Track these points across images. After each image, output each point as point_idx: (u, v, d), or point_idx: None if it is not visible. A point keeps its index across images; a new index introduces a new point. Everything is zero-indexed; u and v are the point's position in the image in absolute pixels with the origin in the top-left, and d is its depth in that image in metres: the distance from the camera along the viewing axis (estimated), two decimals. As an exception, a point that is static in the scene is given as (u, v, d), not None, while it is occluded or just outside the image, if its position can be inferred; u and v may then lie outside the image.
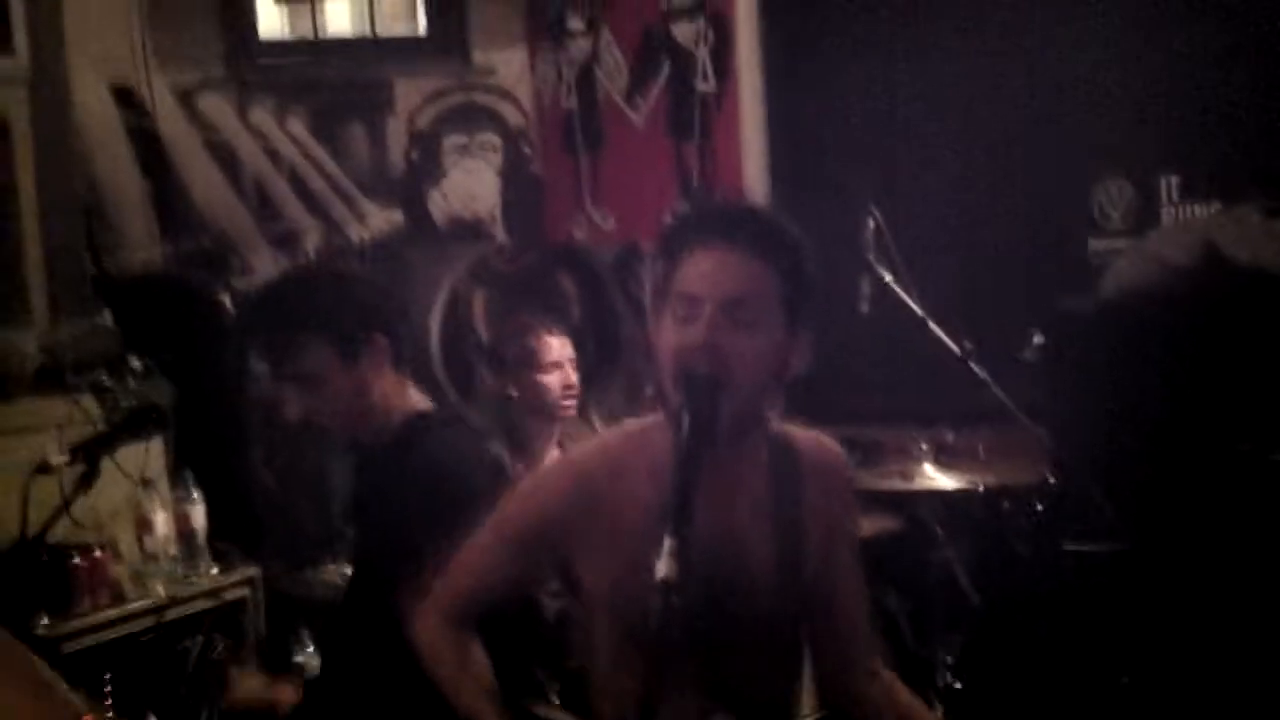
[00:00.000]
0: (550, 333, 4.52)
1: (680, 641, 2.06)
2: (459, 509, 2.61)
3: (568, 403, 4.45)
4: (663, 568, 2.03)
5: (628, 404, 5.44)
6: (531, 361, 4.41)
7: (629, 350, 5.51)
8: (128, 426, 3.04)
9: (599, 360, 5.55)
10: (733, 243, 2.25)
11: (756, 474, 2.38)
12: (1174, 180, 4.52)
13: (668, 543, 2.05)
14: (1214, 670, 3.70)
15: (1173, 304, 3.89)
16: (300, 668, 4.19)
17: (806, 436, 2.47)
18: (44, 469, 2.90)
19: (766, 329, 2.26)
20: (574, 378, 4.45)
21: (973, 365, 3.92)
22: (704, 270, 2.25)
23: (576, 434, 4.56)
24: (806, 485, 2.39)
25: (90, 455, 2.90)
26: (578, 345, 4.66)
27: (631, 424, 2.52)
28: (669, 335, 2.28)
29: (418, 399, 2.97)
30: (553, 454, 4.40)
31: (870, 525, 3.81)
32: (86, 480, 2.90)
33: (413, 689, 2.56)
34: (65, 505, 2.88)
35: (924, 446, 4.23)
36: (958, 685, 4.07)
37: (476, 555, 2.46)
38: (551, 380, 4.41)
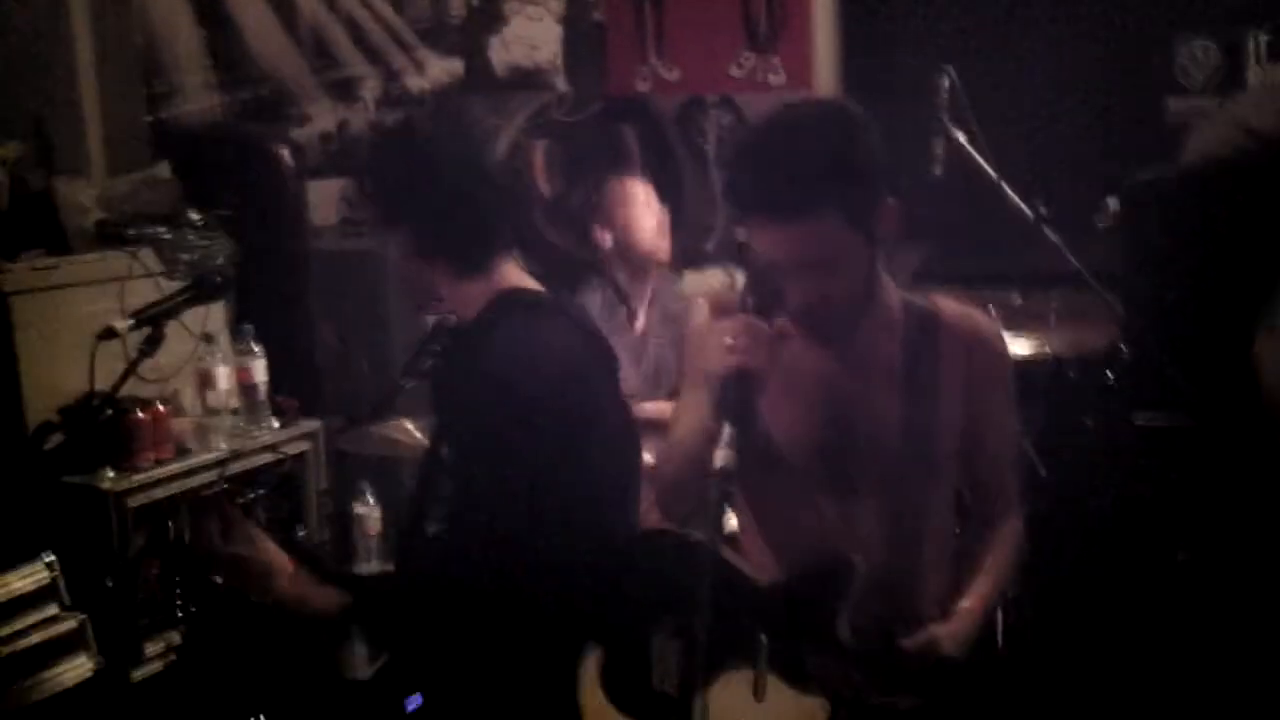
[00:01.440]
0: (633, 178, 4.47)
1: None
2: (534, 399, 2.58)
3: (663, 246, 4.41)
4: (720, 456, 2.04)
5: (689, 258, 5.40)
6: (618, 211, 4.36)
7: (692, 203, 5.44)
8: (192, 291, 3.00)
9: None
10: (786, 216, 2.24)
11: (882, 347, 2.40)
12: (1263, 39, 4.36)
13: (727, 431, 2.06)
14: (1273, 553, 3.65)
15: (1258, 174, 3.76)
16: (361, 519, 4.24)
17: (954, 309, 2.49)
18: (109, 335, 2.87)
19: (847, 260, 2.30)
20: (663, 222, 4.40)
21: (1046, 230, 3.83)
22: (766, 244, 2.28)
23: (667, 288, 4.53)
24: (946, 357, 2.40)
25: (154, 321, 2.87)
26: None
27: (713, 297, 2.54)
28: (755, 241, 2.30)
29: (507, 277, 2.88)
30: (648, 310, 4.38)
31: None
32: (151, 345, 2.87)
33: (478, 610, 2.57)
34: (130, 369, 2.86)
35: (992, 311, 4.16)
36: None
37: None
38: (644, 226, 4.37)
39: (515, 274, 2.92)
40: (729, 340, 2.15)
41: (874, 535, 2.38)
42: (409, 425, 4.11)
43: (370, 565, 4.18)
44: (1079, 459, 4.03)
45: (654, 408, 3.96)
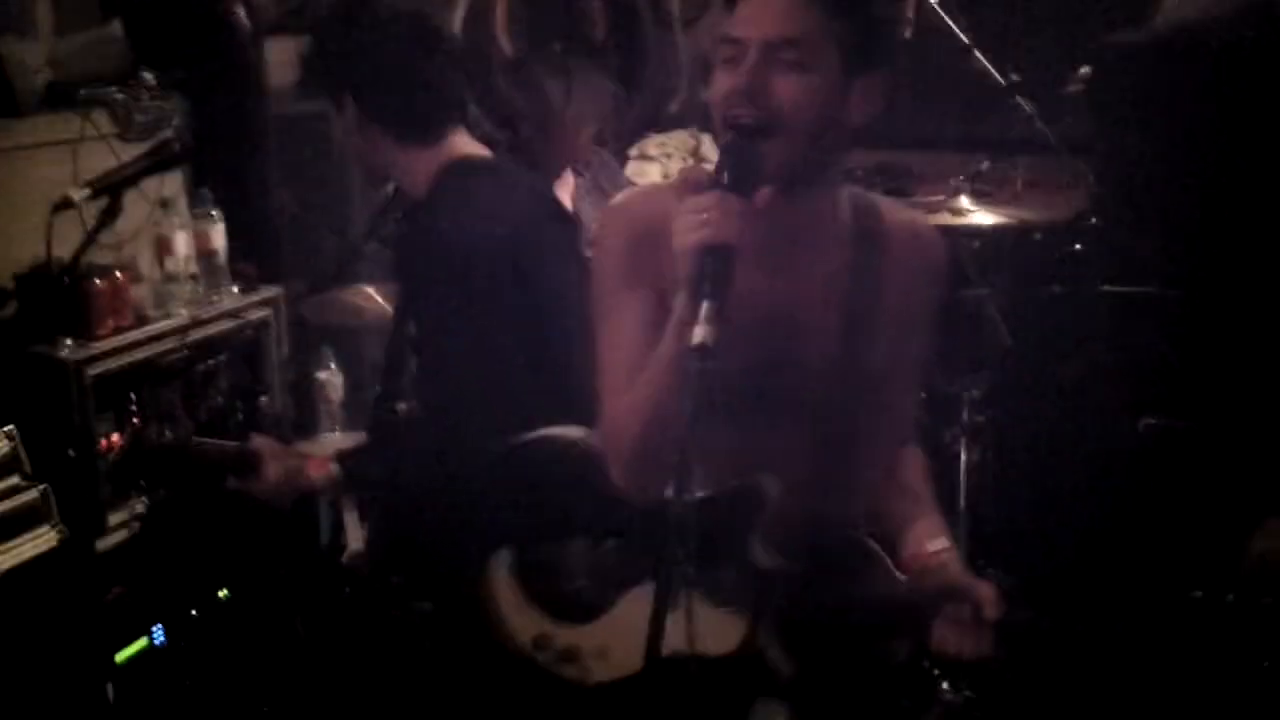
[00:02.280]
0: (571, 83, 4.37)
1: (718, 409, 1.97)
2: (493, 266, 2.54)
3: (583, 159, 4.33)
4: (699, 332, 1.94)
5: (653, 122, 5.33)
6: (549, 114, 4.28)
7: (656, 67, 5.35)
8: (151, 159, 2.93)
9: (624, 77, 5.40)
10: None
11: (830, 242, 2.28)
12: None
13: (705, 306, 1.96)
14: (1245, 418, 3.68)
15: (1230, 43, 3.72)
16: (324, 385, 4.21)
17: (898, 211, 2.38)
18: (64, 205, 2.80)
19: (818, 71, 2.13)
20: (590, 132, 4.31)
21: (1018, 97, 3.79)
22: (748, 12, 2.15)
23: (602, 159, 4.47)
24: (890, 262, 2.28)
25: (112, 190, 2.80)
26: (602, 59, 4.52)
27: (683, 173, 2.43)
28: (715, 81, 2.18)
29: (455, 148, 2.83)
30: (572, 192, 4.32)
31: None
32: (109, 214, 2.81)
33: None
34: (88, 241, 2.80)
35: (960, 177, 4.13)
36: (980, 419, 4.06)
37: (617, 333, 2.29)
38: (567, 134, 4.29)
39: (465, 143, 2.88)
40: (703, 215, 2.02)
41: (800, 458, 2.28)
42: (370, 291, 4.06)
43: (334, 433, 4.16)
44: (1046, 327, 4.03)
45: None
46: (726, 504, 2.22)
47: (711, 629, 2.19)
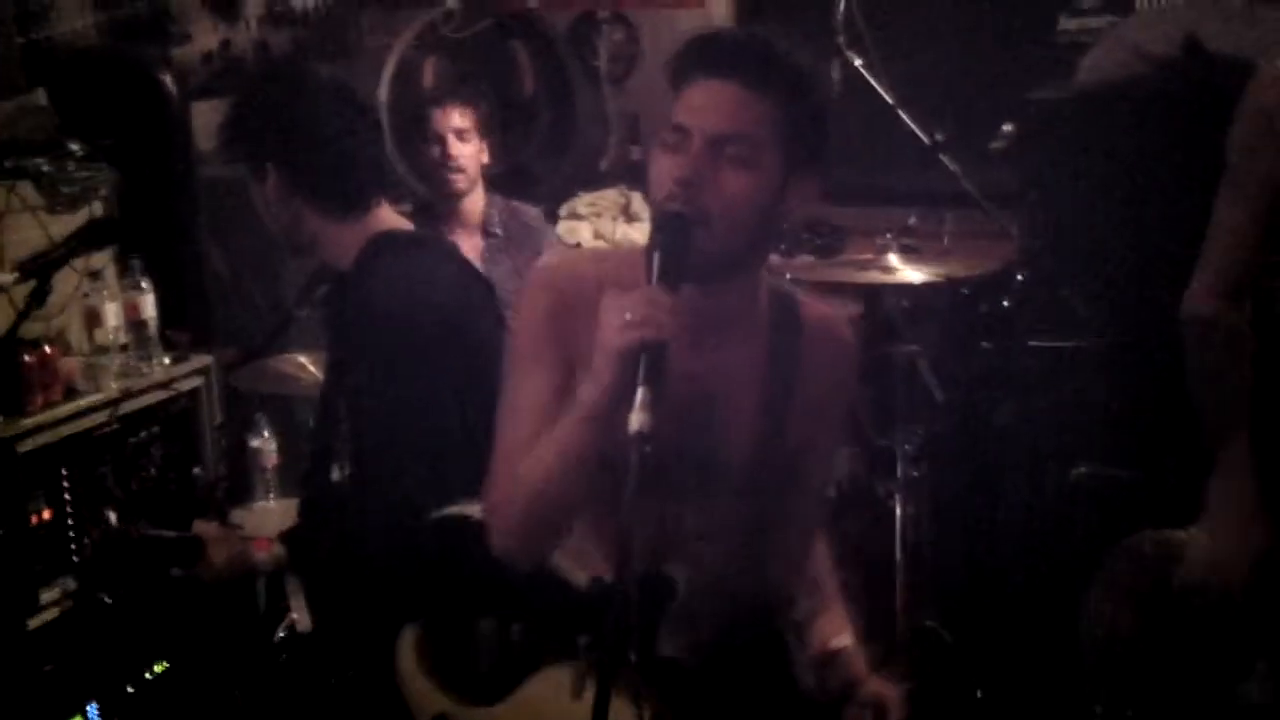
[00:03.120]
0: (450, 103, 4.41)
1: (653, 495, 2.00)
2: (416, 333, 2.54)
3: (451, 176, 4.36)
4: (636, 420, 1.93)
5: (582, 178, 5.35)
6: (427, 131, 4.34)
7: (584, 123, 5.37)
8: (81, 238, 2.90)
9: (553, 132, 5.43)
10: (731, 74, 2.10)
11: (752, 330, 2.29)
12: (1148, -43, 4.38)
13: (640, 393, 1.95)
14: (1173, 463, 3.73)
15: (1150, 97, 3.79)
16: (257, 452, 4.18)
17: (815, 303, 2.38)
18: (-7, 289, 2.78)
19: (761, 168, 2.10)
20: (458, 149, 4.34)
21: (943, 157, 3.85)
22: (697, 102, 2.12)
23: (520, 210, 4.50)
24: (806, 352, 2.30)
25: (42, 273, 2.78)
26: (531, 117, 4.54)
27: (611, 250, 2.46)
28: (655, 164, 2.16)
29: (380, 220, 2.84)
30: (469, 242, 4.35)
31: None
32: (38, 295, 2.78)
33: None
34: (19, 322, 2.77)
35: (888, 236, 4.17)
36: (915, 474, 4.10)
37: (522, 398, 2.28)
38: (437, 150, 4.33)
39: (389, 216, 2.89)
40: (630, 315, 1.99)
41: (717, 541, 2.29)
42: (303, 359, 4.05)
43: (269, 500, 4.13)
44: (977, 380, 4.07)
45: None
46: (635, 591, 2.12)
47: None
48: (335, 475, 3.05)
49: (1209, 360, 2.79)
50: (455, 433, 2.67)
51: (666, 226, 2.09)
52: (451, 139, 4.34)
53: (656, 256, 2.06)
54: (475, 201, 4.44)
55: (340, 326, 2.91)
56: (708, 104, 2.11)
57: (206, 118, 4.78)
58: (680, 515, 2.26)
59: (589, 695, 1.92)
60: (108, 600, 3.22)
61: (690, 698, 2.24)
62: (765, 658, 2.36)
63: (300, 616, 2.92)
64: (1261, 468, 2.76)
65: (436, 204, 4.46)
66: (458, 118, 4.36)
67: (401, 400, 2.67)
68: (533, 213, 4.53)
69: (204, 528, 2.86)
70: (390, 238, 2.77)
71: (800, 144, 2.14)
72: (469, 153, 4.37)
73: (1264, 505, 2.73)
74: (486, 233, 4.44)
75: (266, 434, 4.17)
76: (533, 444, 2.16)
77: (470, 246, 4.29)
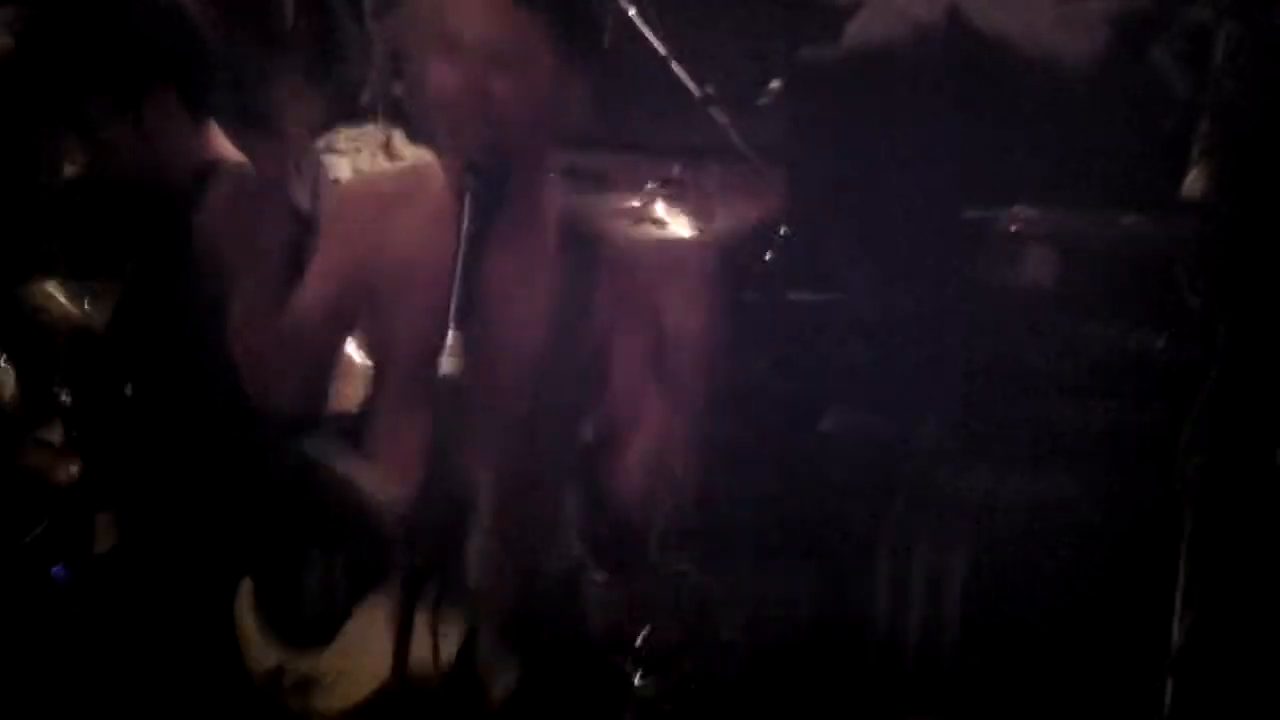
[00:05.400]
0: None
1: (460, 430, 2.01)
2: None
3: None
4: (446, 364, 1.97)
5: (342, 111, 5.22)
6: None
7: (346, 53, 5.24)
8: None
9: (315, 63, 5.28)
10: None
11: (543, 253, 2.31)
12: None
13: (451, 336, 1.98)
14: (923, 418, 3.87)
15: (912, 60, 3.90)
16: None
17: (609, 223, 2.52)
18: None
19: (532, 70, 2.20)
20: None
21: (712, 111, 3.89)
22: (462, 11, 2.20)
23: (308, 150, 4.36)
24: (603, 270, 2.32)
25: None
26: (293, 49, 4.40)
27: (403, 166, 2.48)
28: (431, 80, 2.23)
29: (219, 147, 2.73)
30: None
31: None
32: None
33: None
34: None
35: (651, 184, 4.18)
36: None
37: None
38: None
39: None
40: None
41: (513, 459, 2.28)
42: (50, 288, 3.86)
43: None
44: (738, 335, 4.13)
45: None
46: (437, 510, 2.16)
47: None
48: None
49: None
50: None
51: (480, 175, 2.14)
52: None
53: (469, 203, 2.11)
54: None
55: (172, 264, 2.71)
56: (471, 11, 2.19)
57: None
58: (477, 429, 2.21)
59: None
60: None
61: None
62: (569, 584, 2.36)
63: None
64: None
65: None
66: None
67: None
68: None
69: None
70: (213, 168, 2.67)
71: (567, 44, 2.23)
72: None
73: None
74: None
75: (3, 363, 3.98)
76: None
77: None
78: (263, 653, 2.30)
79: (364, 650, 2.13)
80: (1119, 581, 3.42)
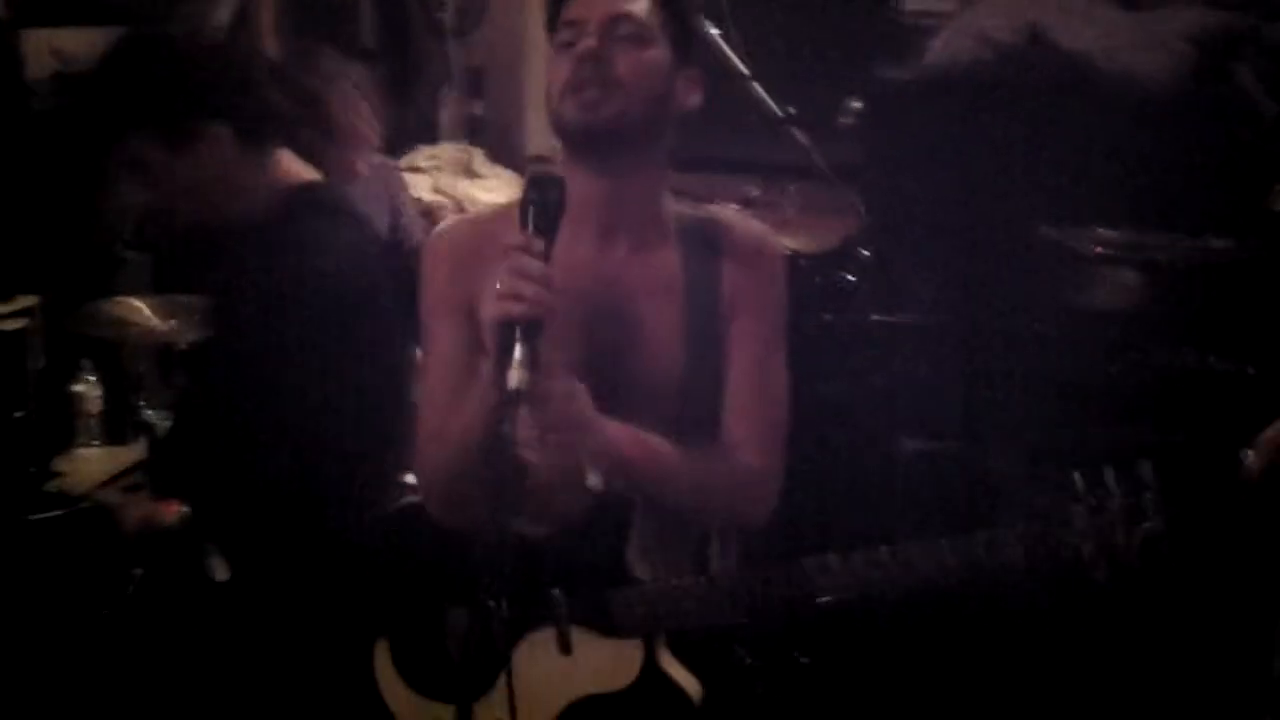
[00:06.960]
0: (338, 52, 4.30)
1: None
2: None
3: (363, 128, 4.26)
4: (514, 378, 1.93)
5: (425, 128, 5.29)
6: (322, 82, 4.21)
7: (427, 71, 5.30)
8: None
9: (394, 81, 5.33)
10: None
11: (660, 241, 2.29)
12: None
13: (519, 350, 1.95)
14: (999, 438, 3.85)
15: (993, 82, 3.90)
16: (80, 397, 4.04)
17: (729, 215, 2.44)
18: None
19: (653, 46, 2.22)
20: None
21: (794, 131, 3.89)
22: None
23: (385, 166, 4.40)
24: (727, 268, 2.29)
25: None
26: (372, 66, 4.44)
27: (498, 209, 2.47)
28: (552, 70, 2.25)
29: (294, 170, 2.75)
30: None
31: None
32: None
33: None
34: None
35: (732, 205, 4.19)
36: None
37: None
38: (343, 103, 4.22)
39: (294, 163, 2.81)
40: (501, 287, 1.99)
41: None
42: (137, 303, 3.91)
43: (92, 446, 4.00)
44: (817, 357, 4.12)
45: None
46: (587, 521, 2.18)
47: (607, 663, 2.16)
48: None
49: None
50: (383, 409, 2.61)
51: (539, 184, 2.09)
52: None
53: (530, 210, 2.06)
54: None
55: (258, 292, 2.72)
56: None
57: (34, 45, 4.61)
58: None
59: (580, 645, 2.08)
60: None
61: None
62: None
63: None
64: None
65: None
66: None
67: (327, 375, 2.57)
68: (391, 163, 4.45)
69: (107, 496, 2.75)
70: (313, 197, 2.69)
71: (681, 34, 2.27)
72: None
73: None
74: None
75: (92, 379, 4.04)
76: (452, 404, 2.19)
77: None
78: (424, 711, 2.25)
79: (535, 683, 2.11)
80: (1213, 611, 3.37)
